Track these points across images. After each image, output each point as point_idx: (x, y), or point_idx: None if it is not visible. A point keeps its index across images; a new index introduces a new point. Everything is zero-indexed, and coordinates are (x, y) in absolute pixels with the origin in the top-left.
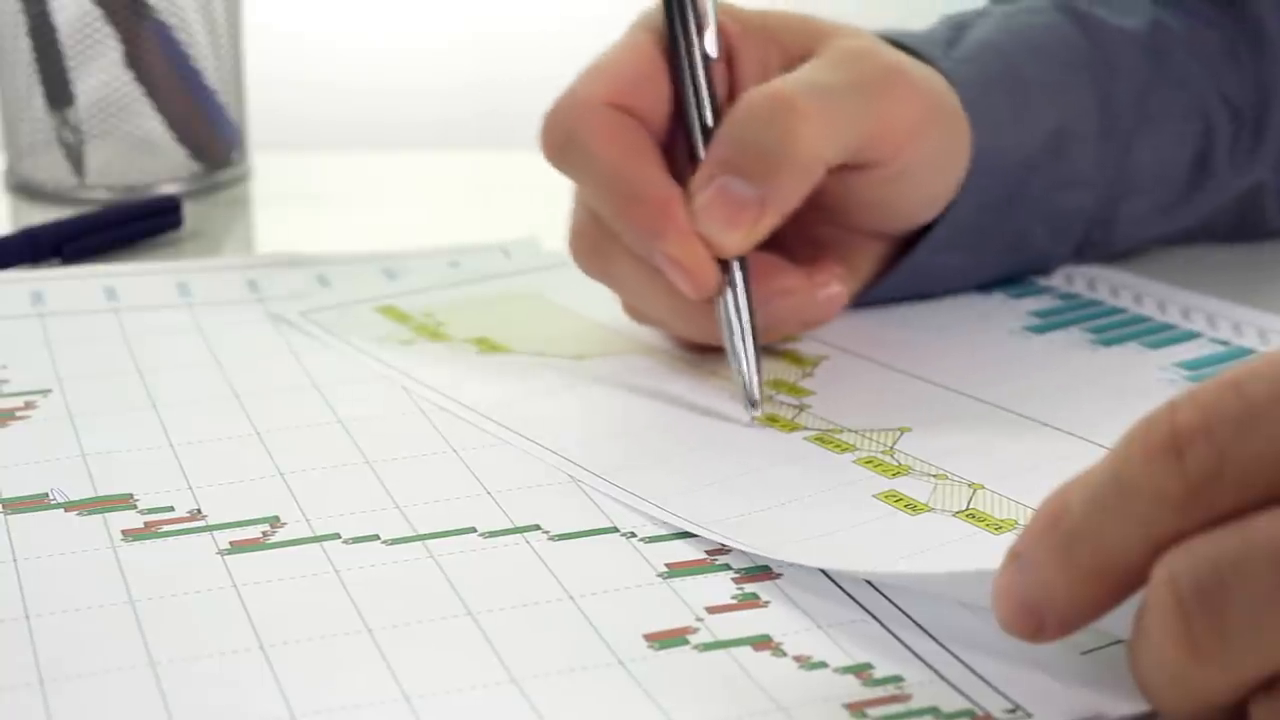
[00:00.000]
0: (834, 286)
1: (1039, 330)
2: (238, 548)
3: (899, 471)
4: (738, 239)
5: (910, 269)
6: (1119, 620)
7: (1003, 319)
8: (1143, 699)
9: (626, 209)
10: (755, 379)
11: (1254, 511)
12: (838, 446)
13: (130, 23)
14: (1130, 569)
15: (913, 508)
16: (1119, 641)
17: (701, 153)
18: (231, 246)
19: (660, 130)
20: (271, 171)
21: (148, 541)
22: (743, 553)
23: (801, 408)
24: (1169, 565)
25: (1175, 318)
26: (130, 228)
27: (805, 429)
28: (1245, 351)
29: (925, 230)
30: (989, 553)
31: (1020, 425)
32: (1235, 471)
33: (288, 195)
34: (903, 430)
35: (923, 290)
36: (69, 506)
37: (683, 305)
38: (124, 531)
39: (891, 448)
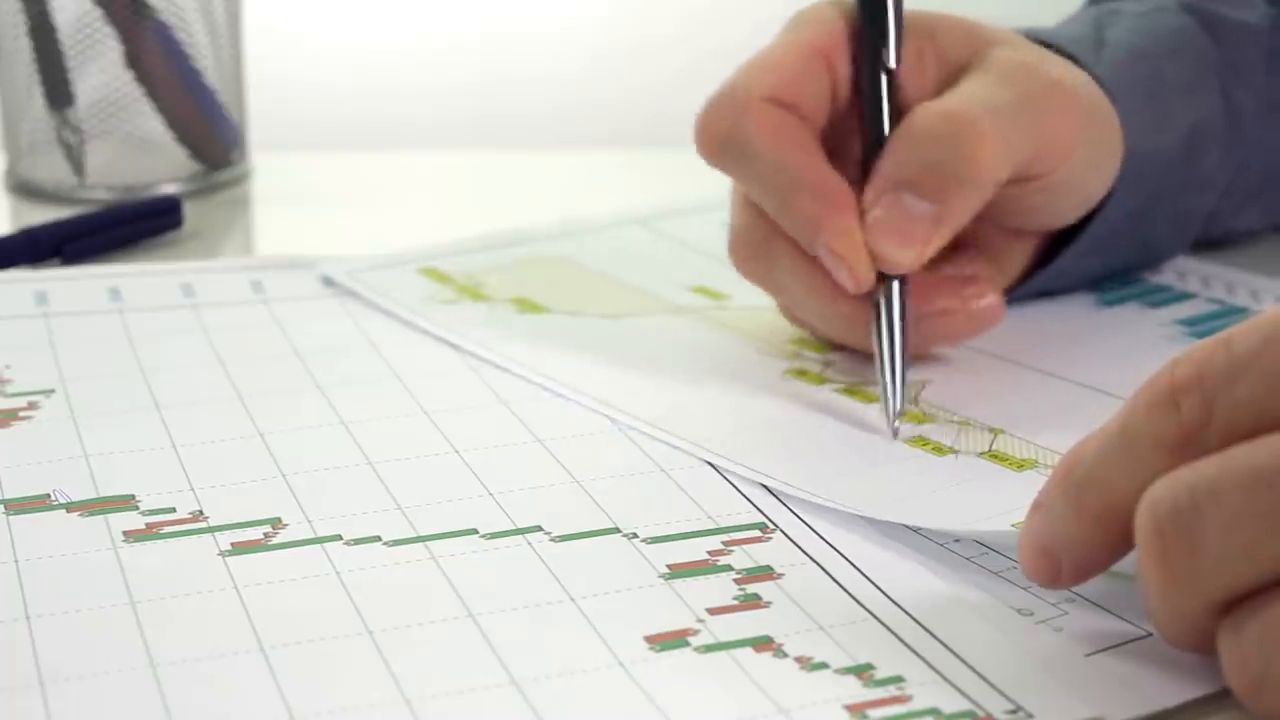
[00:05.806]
0: (989, 298)
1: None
2: (239, 549)
3: (924, 419)
4: (911, 255)
5: (1052, 272)
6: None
7: None
8: (1144, 704)
9: (792, 198)
10: (898, 399)
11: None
12: (865, 398)
13: (130, 23)
14: (1132, 512)
15: (939, 450)
16: (1122, 644)
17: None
18: (231, 246)
19: (820, 128)
20: (271, 171)
21: (149, 542)
22: (745, 552)
23: (828, 363)
24: (1151, 493)
25: (1171, 279)
26: (130, 228)
27: (833, 382)
28: (1241, 309)
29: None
30: (1012, 488)
31: (1033, 377)
32: (1223, 415)
33: (288, 195)
34: (924, 382)
35: (1053, 289)
36: (71, 507)
37: (839, 308)
38: (125, 532)
39: (915, 398)
